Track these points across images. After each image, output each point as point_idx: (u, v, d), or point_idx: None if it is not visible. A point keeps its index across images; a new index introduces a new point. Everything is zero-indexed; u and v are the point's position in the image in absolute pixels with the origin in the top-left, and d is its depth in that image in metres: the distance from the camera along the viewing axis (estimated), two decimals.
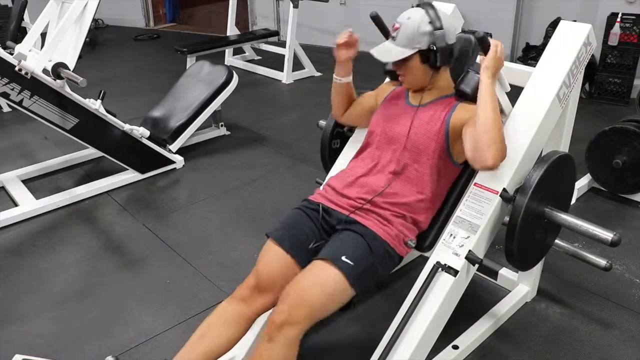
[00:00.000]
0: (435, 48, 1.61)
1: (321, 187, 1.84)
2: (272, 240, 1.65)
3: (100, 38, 7.04)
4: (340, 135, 2.14)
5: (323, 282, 1.48)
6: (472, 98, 1.66)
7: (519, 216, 1.59)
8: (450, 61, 1.69)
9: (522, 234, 1.63)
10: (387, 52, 1.64)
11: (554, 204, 1.71)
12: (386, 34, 1.96)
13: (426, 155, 1.67)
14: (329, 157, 2.16)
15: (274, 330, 1.43)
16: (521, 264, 1.76)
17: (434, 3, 1.70)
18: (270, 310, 1.59)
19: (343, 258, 1.50)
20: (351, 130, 2.13)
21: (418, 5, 1.67)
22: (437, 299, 1.60)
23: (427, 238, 1.74)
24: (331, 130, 2.13)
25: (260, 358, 1.44)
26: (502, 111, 1.78)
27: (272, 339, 1.43)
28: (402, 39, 1.62)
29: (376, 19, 1.91)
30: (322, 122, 2.21)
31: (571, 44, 1.78)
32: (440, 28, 1.61)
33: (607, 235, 1.62)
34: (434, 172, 1.68)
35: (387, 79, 2.01)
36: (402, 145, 1.69)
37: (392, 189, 1.66)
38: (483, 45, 1.61)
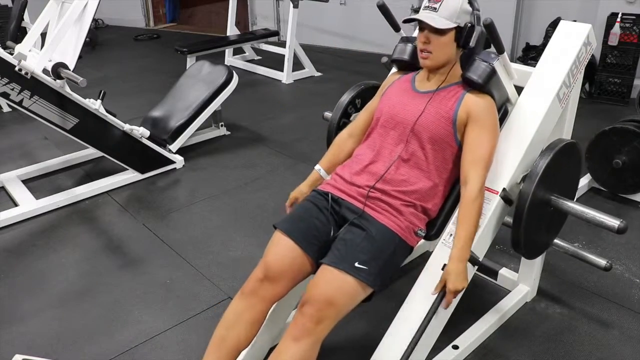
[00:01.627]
0: (473, 27, 1.63)
1: (329, 177, 1.83)
2: (281, 231, 1.65)
3: (100, 38, 7.04)
4: (346, 125, 2.13)
5: (343, 289, 1.51)
6: (478, 86, 1.66)
7: (526, 203, 1.59)
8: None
9: (529, 221, 1.63)
10: (432, 19, 1.63)
11: (560, 192, 1.72)
12: (393, 23, 1.95)
13: (433, 141, 1.66)
14: None
15: (303, 329, 1.45)
16: (527, 252, 1.76)
17: None
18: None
19: (356, 264, 1.51)
20: None
21: None
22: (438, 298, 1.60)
23: (434, 226, 1.74)
24: (337, 121, 2.11)
25: (286, 355, 1.45)
26: (508, 100, 1.79)
27: (300, 337, 1.45)
28: (445, 11, 1.62)
29: (383, 8, 1.91)
30: (328, 114, 2.18)
31: (571, 44, 1.78)
32: (478, 10, 1.65)
33: (613, 222, 1.63)
34: (441, 158, 1.68)
35: (393, 69, 2.00)
36: (409, 130, 1.68)
37: (402, 175, 1.66)
38: (491, 32, 1.61)
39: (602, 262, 1.90)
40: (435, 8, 1.63)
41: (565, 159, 1.72)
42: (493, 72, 1.65)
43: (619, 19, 4.32)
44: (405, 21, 1.72)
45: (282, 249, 1.62)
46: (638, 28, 4.30)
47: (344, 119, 2.13)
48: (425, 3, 1.68)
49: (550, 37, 1.87)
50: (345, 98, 2.12)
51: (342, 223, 1.67)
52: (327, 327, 1.48)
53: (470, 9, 1.65)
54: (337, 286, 1.50)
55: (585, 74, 1.96)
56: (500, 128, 1.74)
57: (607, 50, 4.45)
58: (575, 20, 1.92)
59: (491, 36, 1.63)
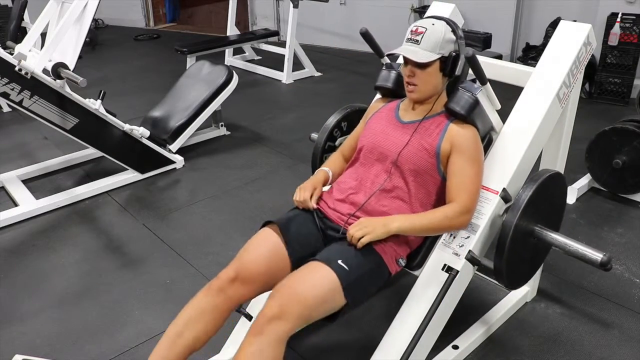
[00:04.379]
0: (458, 55, 1.61)
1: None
2: (275, 227, 1.62)
3: (100, 38, 7.04)
4: (332, 149, 2.11)
5: (317, 283, 1.45)
6: (461, 117, 1.64)
7: (508, 236, 1.57)
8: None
9: (511, 254, 1.61)
10: (414, 53, 1.60)
11: (544, 223, 1.70)
12: (377, 50, 1.94)
13: (416, 174, 1.65)
14: None
15: (264, 323, 1.38)
16: (510, 283, 1.73)
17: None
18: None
19: (339, 262, 1.49)
20: None
21: (432, 17, 1.68)
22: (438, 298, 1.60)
23: (416, 256, 1.73)
24: (323, 144, 2.10)
25: (246, 351, 1.38)
26: (492, 128, 1.77)
27: (260, 332, 1.38)
28: (428, 43, 1.59)
29: (366, 35, 1.88)
30: (314, 135, 2.17)
31: (571, 44, 1.78)
32: (462, 38, 1.64)
33: (596, 255, 1.60)
34: (424, 190, 1.67)
35: (378, 96, 1.99)
36: (391, 162, 1.67)
37: (384, 206, 1.64)
38: (472, 63, 1.60)
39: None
40: (417, 41, 1.60)
41: (550, 190, 1.70)
42: (476, 103, 1.63)
43: (619, 19, 4.32)
44: (389, 55, 1.70)
45: (263, 250, 1.59)
46: (638, 28, 4.30)
47: (330, 142, 2.12)
48: (407, 35, 1.65)
49: (550, 37, 1.86)
50: (331, 121, 2.10)
51: (327, 241, 1.66)
52: (289, 324, 1.38)
53: (453, 37, 1.63)
54: (311, 276, 1.46)
55: (585, 74, 1.96)
56: (485, 156, 1.72)
57: (607, 50, 4.45)
58: (575, 20, 1.91)
59: (474, 68, 1.62)
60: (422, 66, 1.61)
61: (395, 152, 1.66)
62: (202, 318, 1.51)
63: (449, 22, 1.65)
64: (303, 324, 1.43)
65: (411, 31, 1.64)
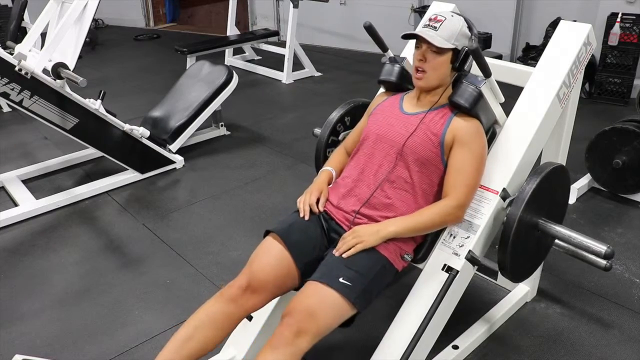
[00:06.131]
0: (469, 50, 1.62)
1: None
2: (275, 235, 1.62)
3: (100, 38, 7.04)
4: (335, 143, 2.11)
5: (325, 302, 1.47)
6: (465, 110, 1.65)
7: (512, 229, 1.57)
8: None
9: (515, 247, 1.61)
10: (431, 37, 1.62)
11: (547, 216, 1.70)
12: (381, 44, 1.94)
13: (420, 164, 1.65)
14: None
15: (283, 340, 1.40)
16: (514, 276, 1.74)
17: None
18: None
19: (340, 280, 1.48)
20: None
21: (450, 12, 1.71)
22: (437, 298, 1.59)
23: (421, 249, 1.73)
24: (326, 138, 2.10)
25: None
26: (496, 122, 1.78)
27: (276, 348, 1.39)
28: (445, 31, 1.62)
29: (370, 29, 1.89)
30: (317, 130, 2.17)
31: (571, 44, 1.78)
32: (476, 36, 1.66)
33: (600, 247, 1.60)
34: (428, 180, 1.67)
35: (381, 90, 1.99)
36: (396, 152, 1.67)
37: (388, 199, 1.64)
38: (476, 56, 1.61)
39: (602, 262, 1.90)
40: (435, 27, 1.63)
41: (553, 183, 1.70)
42: (480, 96, 1.64)
43: (619, 19, 4.32)
44: (404, 36, 1.70)
45: (271, 257, 1.59)
46: (638, 28, 4.30)
47: (333, 136, 2.12)
48: (425, 21, 1.68)
49: (550, 37, 1.87)
50: (334, 115, 2.10)
51: (330, 243, 1.66)
52: (306, 342, 1.41)
53: (469, 33, 1.66)
54: (319, 299, 1.46)
55: (585, 74, 1.96)
56: (488, 150, 1.72)
57: (607, 50, 4.45)
58: (575, 20, 1.92)
59: (477, 61, 1.62)
60: (436, 52, 1.63)
61: (400, 143, 1.67)
62: (213, 324, 1.52)
63: (466, 19, 1.68)
64: (318, 339, 1.45)
65: (430, 18, 1.67)
